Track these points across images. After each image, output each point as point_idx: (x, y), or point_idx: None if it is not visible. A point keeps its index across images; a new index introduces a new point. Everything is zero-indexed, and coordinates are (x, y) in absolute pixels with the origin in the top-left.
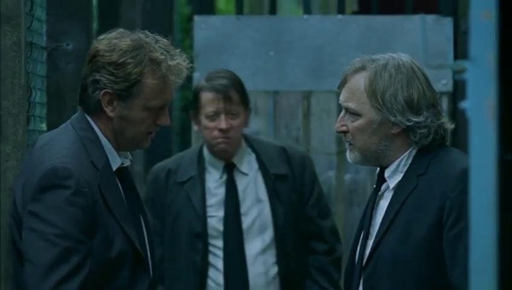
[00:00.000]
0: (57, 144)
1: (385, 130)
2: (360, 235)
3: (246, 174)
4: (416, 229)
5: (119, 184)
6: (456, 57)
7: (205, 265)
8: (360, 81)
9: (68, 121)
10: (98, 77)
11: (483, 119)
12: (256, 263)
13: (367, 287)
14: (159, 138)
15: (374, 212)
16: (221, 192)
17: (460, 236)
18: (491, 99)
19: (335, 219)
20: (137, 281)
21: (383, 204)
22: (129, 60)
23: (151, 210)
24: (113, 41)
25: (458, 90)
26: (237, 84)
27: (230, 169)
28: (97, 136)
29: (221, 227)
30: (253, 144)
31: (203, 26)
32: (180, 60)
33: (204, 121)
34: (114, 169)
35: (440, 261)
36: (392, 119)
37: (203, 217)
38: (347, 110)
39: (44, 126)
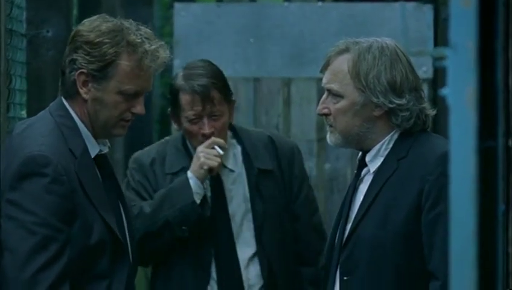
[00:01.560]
0: (35, 132)
1: (367, 112)
2: (340, 220)
3: (232, 171)
4: (395, 213)
5: (98, 171)
6: (436, 44)
7: (210, 259)
8: (343, 62)
9: (47, 108)
10: (75, 57)
11: (463, 106)
12: (249, 266)
13: (344, 270)
14: (139, 126)
15: (353, 197)
16: (206, 189)
17: (438, 220)
18: (471, 86)
19: None
20: (116, 268)
21: (363, 188)
22: (106, 40)
23: (137, 197)
24: (95, 23)
25: (438, 77)
26: (218, 81)
27: None
28: (75, 123)
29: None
30: (239, 135)
31: (183, 14)
32: (158, 47)
33: (186, 124)
34: (92, 156)
35: (418, 246)
36: (375, 100)
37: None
38: (330, 92)
39: (24, 113)
